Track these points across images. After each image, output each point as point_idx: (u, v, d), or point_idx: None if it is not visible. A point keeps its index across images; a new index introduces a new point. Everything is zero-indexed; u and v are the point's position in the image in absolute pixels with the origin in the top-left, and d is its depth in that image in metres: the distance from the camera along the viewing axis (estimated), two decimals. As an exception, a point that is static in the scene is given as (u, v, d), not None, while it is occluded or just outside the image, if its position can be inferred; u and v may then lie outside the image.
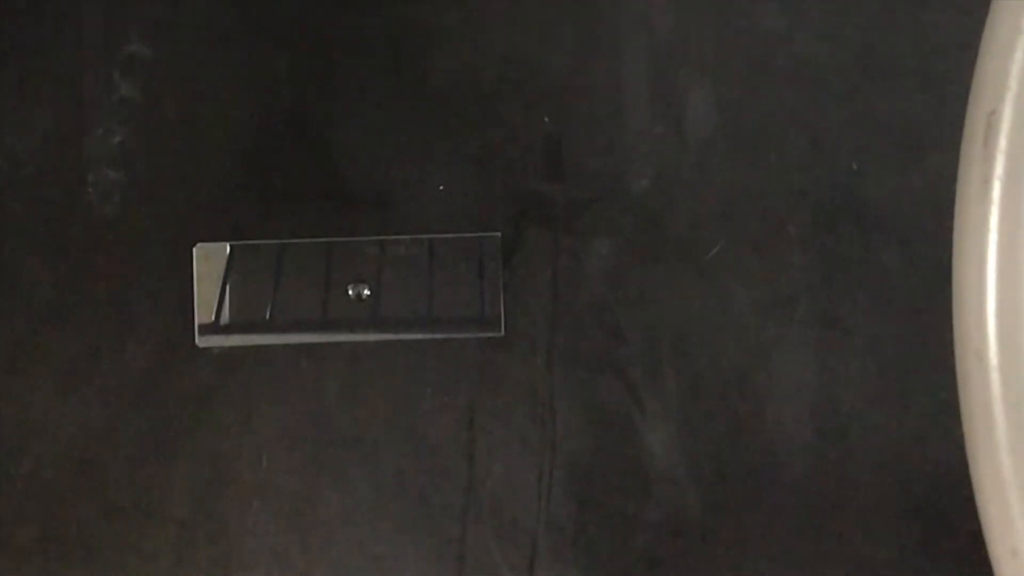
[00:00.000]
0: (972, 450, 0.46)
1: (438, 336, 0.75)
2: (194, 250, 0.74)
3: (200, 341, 0.74)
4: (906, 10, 0.75)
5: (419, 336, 0.75)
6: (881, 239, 0.75)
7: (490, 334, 0.75)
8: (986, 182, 0.45)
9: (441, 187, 0.75)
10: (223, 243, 0.74)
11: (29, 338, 0.74)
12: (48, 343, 0.74)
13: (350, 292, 0.75)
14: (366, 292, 0.75)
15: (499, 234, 0.75)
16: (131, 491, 0.74)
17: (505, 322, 0.75)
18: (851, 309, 0.75)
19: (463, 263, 0.75)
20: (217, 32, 0.75)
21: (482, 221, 0.75)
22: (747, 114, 0.75)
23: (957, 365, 0.47)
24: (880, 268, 0.75)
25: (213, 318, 0.74)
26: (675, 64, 0.75)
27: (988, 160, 0.45)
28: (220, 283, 0.74)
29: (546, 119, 0.75)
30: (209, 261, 0.74)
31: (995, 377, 0.45)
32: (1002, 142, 0.45)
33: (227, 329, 0.74)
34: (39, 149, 0.75)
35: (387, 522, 0.74)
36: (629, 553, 0.74)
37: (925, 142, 0.75)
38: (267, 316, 0.75)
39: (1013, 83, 0.45)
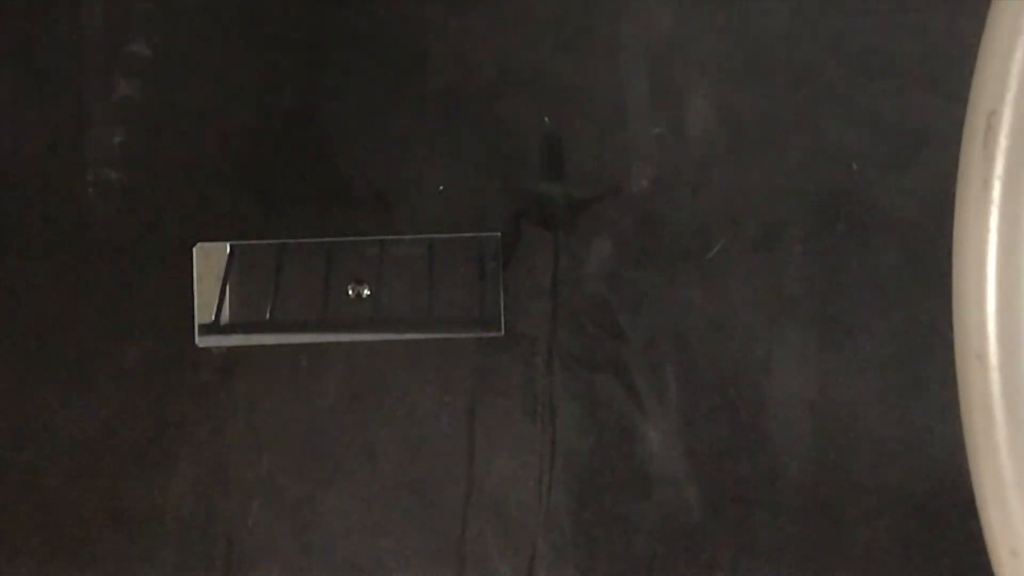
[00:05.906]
0: (972, 450, 0.46)
1: (438, 336, 0.75)
2: (194, 250, 0.74)
3: (200, 341, 0.74)
4: (906, 10, 0.75)
5: (419, 336, 0.75)
6: (881, 239, 0.75)
7: (490, 334, 0.75)
8: (986, 182, 0.45)
9: (441, 187, 0.75)
10: (223, 243, 0.74)
11: (29, 338, 0.74)
12: (48, 343, 0.74)
13: (350, 292, 0.75)
14: (366, 292, 0.75)
15: (499, 234, 0.75)
16: (131, 491, 0.74)
17: (505, 322, 0.75)
18: (851, 309, 0.75)
19: (463, 263, 0.75)
20: (217, 32, 0.75)
21: (482, 221, 0.75)
22: (747, 114, 0.75)
23: (957, 365, 0.47)
24: (880, 268, 0.75)
25: (213, 318, 0.74)
26: (675, 64, 0.75)
27: (988, 160, 0.45)
28: (220, 283, 0.74)
29: (546, 119, 0.75)
30: (209, 261, 0.74)
31: (995, 377, 0.45)
32: (1002, 142, 0.45)
33: (227, 329, 0.74)
34: (38, 149, 0.75)
35: (387, 522, 0.74)
36: (629, 553, 0.74)
37: (925, 142, 0.75)
38: (267, 316, 0.75)
39: (1013, 83, 0.45)
